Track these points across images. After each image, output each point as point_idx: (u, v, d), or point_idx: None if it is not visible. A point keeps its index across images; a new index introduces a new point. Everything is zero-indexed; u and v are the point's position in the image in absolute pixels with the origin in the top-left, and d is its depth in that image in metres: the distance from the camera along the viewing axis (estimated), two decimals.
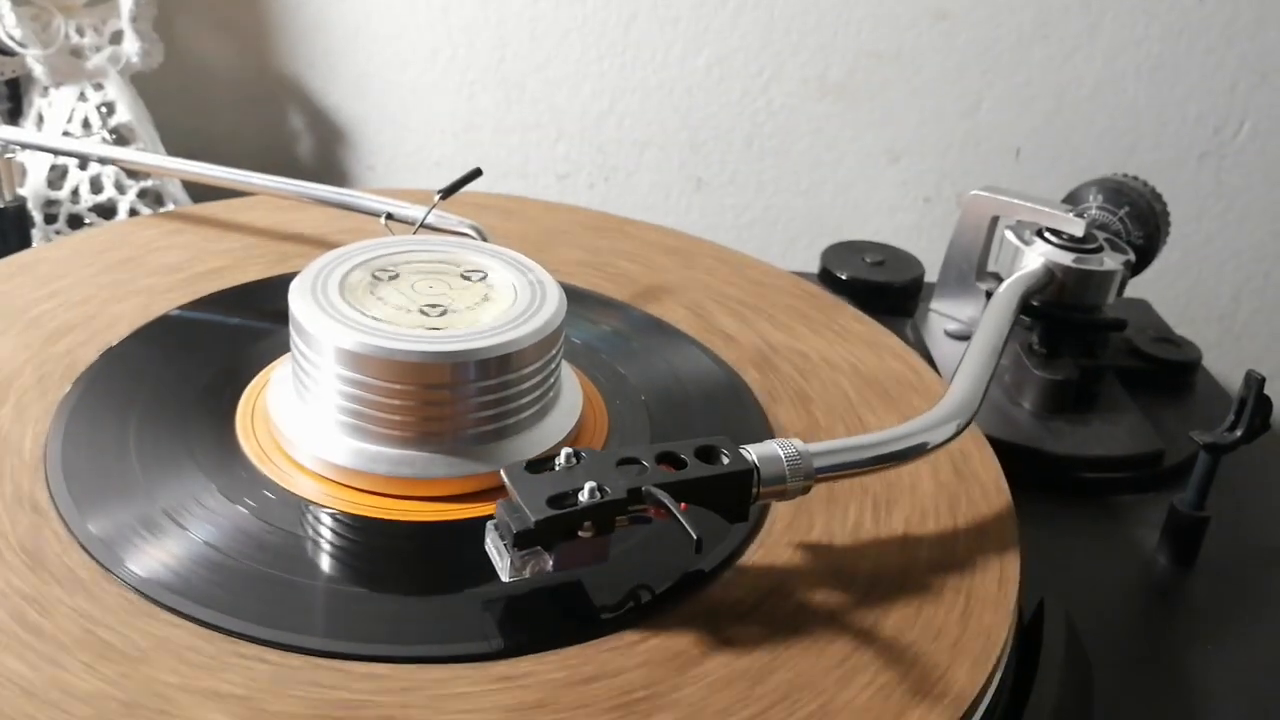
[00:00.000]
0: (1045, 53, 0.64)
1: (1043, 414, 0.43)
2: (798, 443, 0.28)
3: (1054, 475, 0.41)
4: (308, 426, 0.31)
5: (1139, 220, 0.47)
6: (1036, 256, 0.44)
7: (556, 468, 0.26)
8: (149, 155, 0.50)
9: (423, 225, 0.39)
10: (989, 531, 0.32)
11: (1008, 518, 0.32)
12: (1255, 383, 0.37)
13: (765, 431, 0.35)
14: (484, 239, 0.38)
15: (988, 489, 0.33)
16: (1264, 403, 0.37)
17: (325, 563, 0.28)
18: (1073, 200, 0.48)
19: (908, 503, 0.32)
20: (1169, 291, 0.67)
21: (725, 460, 0.27)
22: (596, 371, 0.36)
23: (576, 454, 0.26)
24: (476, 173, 0.40)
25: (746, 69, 0.65)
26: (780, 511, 0.31)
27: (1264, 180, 0.67)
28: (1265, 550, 0.39)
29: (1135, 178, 0.48)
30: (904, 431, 0.30)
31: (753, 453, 0.27)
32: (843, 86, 0.65)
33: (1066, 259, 0.44)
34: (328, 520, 0.29)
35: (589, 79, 0.66)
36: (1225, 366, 0.58)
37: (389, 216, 0.40)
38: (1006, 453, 0.36)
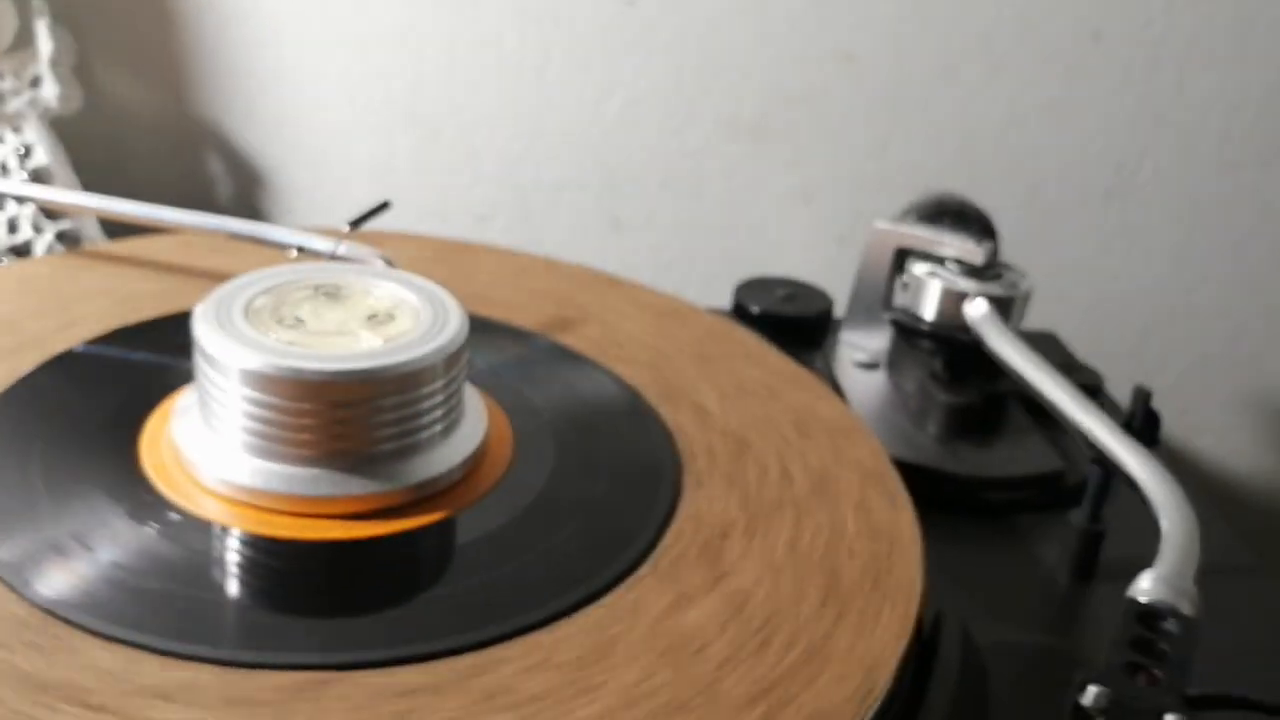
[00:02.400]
0: (950, 94, 0.66)
1: (947, 437, 0.45)
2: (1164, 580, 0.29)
3: (958, 496, 0.42)
4: (213, 450, 0.31)
5: (985, 234, 0.48)
6: (978, 301, 0.45)
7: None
8: (62, 191, 0.50)
9: (334, 258, 0.40)
10: (894, 548, 0.32)
11: (911, 535, 0.33)
12: (1143, 396, 0.38)
13: (669, 445, 0.36)
14: (391, 267, 0.39)
15: (892, 506, 0.34)
16: (1151, 417, 0.38)
17: (230, 579, 0.29)
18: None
19: (811, 520, 0.33)
20: (1081, 327, 0.69)
21: (1177, 629, 0.27)
22: (502, 393, 0.37)
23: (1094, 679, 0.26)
24: (385, 205, 0.40)
25: (660, 111, 0.66)
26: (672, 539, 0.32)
27: (1165, 217, 0.70)
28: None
29: (949, 192, 0.49)
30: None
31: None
32: (755, 128, 0.67)
33: (996, 290, 0.45)
34: (231, 538, 0.30)
35: (505, 122, 0.67)
36: None
37: (300, 250, 0.41)
38: (911, 474, 0.37)
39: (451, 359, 0.31)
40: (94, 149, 0.65)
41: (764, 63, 0.65)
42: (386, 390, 0.30)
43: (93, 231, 0.58)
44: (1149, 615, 0.28)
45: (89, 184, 0.61)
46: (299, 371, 0.29)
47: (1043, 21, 0.65)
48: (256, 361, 0.30)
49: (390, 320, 0.32)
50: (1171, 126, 0.67)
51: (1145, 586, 0.29)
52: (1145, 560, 0.40)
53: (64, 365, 0.37)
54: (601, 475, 0.34)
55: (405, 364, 0.30)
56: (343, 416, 0.30)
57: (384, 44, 0.65)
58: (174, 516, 0.30)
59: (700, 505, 0.33)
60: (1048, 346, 0.57)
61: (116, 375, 0.37)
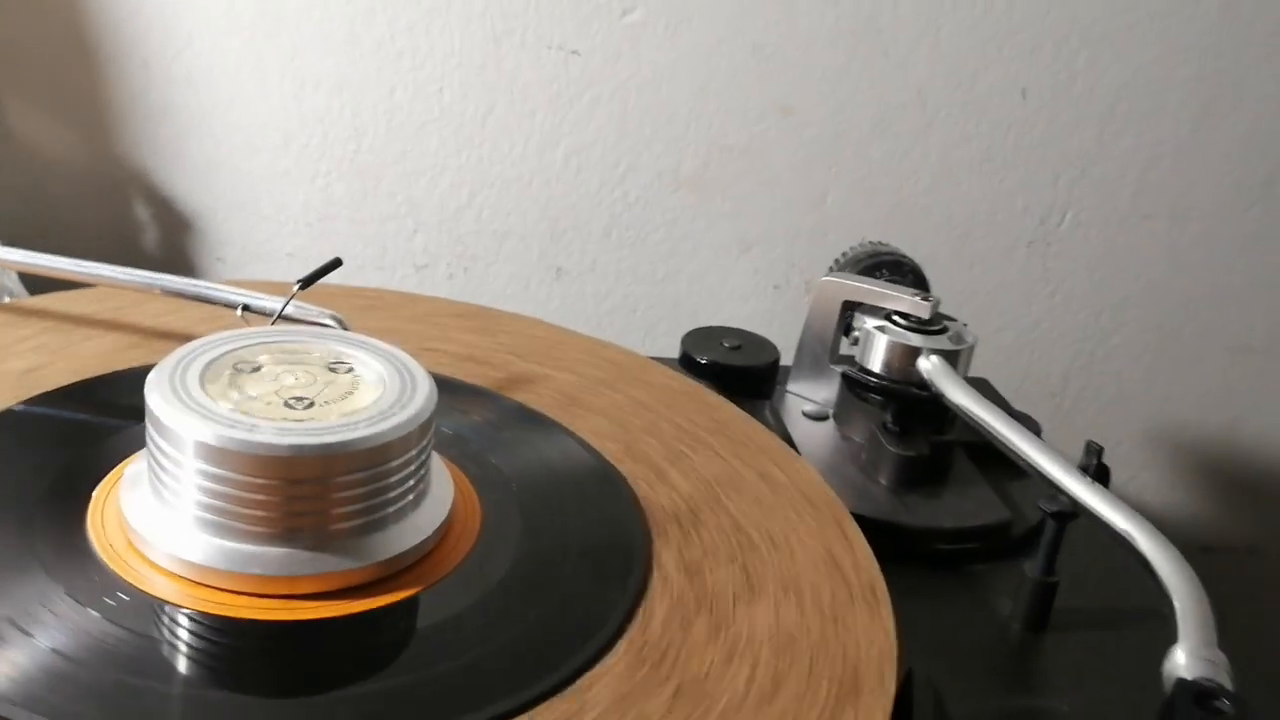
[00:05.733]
0: (885, 148, 0.68)
1: (898, 489, 0.45)
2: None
3: (911, 547, 0.43)
4: (164, 524, 0.29)
5: (919, 285, 0.49)
6: (927, 356, 0.45)
7: None
8: None
9: (281, 316, 0.39)
10: (867, 610, 0.32)
11: (882, 597, 0.33)
12: (1095, 452, 0.39)
13: (638, 515, 0.35)
14: (345, 329, 0.38)
15: (862, 567, 0.34)
16: (1103, 471, 0.39)
17: (184, 666, 0.27)
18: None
19: (779, 586, 0.33)
20: (1004, 371, 0.71)
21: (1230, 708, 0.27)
22: (467, 461, 0.36)
23: None
24: (336, 262, 0.39)
25: (603, 161, 0.66)
26: (649, 609, 0.31)
27: (1085, 266, 0.72)
28: (1110, 611, 0.41)
29: (884, 243, 0.50)
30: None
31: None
32: (695, 179, 0.67)
33: (945, 343, 0.45)
34: (186, 621, 0.28)
35: (447, 171, 0.66)
36: (1058, 441, 0.62)
37: (246, 308, 0.39)
38: (865, 526, 0.37)
39: (420, 431, 0.30)
40: (10, 194, 0.62)
41: (705, 115, 0.66)
42: (351, 466, 0.29)
43: (13, 284, 0.56)
44: (1204, 696, 0.27)
45: (5, 231, 0.58)
46: (259, 446, 0.28)
47: (973, 79, 0.66)
48: (213, 434, 0.28)
49: (357, 389, 0.31)
50: (1091, 180, 0.70)
51: (1182, 663, 0.28)
52: (1096, 609, 0.41)
53: (0, 427, 0.35)
54: (571, 550, 0.33)
55: (372, 438, 0.29)
56: (304, 493, 0.29)
57: (321, 89, 0.64)
58: (121, 597, 0.28)
59: (670, 578, 0.32)
60: (982, 393, 0.58)
61: (59, 437, 0.35)
